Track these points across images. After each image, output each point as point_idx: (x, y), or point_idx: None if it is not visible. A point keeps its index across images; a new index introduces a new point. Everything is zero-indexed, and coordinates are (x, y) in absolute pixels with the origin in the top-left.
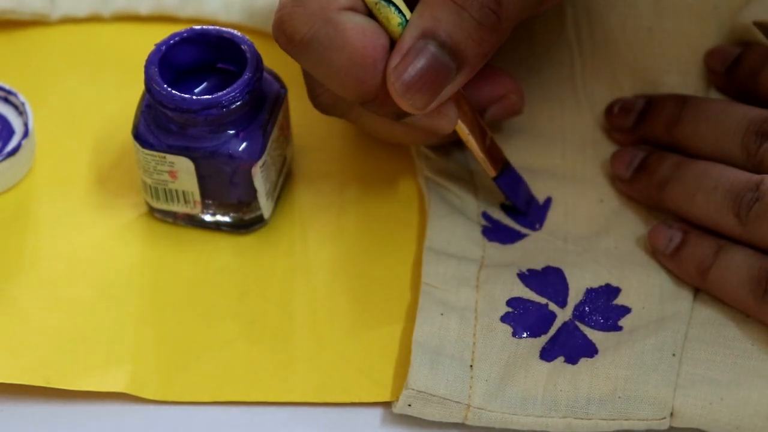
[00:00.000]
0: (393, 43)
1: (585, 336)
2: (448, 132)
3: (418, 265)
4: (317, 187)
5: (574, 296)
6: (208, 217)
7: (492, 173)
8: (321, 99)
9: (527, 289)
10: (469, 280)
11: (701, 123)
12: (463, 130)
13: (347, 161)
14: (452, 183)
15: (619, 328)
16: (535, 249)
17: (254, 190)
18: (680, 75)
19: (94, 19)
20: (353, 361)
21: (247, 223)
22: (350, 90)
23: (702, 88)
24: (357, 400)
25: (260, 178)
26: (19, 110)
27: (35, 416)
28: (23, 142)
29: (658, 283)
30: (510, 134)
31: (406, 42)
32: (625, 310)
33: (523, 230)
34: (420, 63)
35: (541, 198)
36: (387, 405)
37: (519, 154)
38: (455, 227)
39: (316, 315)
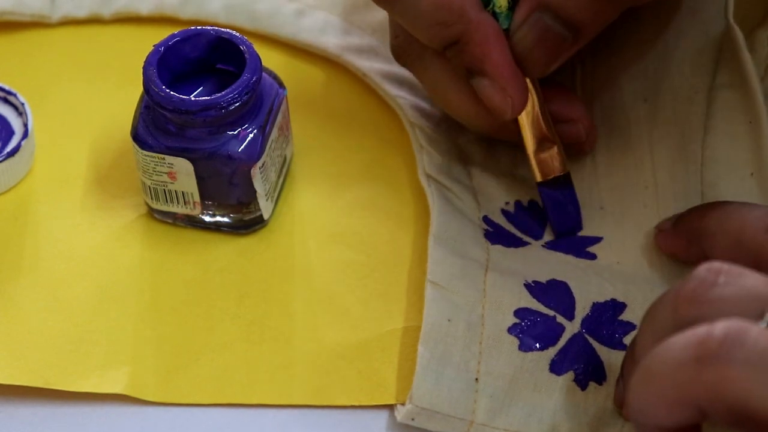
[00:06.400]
0: None
1: (594, 351)
2: (504, 116)
3: (418, 265)
4: (317, 188)
5: (581, 310)
6: (207, 218)
7: (536, 177)
8: (395, 42)
9: (534, 300)
10: (475, 283)
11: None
12: (522, 123)
13: (347, 161)
14: (453, 184)
15: (624, 347)
16: (538, 258)
17: (254, 191)
18: (681, 77)
19: (95, 20)
20: (354, 363)
21: (246, 224)
22: (432, 32)
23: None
24: (357, 403)
25: (260, 179)
26: (19, 111)
27: (34, 417)
28: (23, 143)
29: None
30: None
31: (521, 14)
32: (631, 327)
33: (525, 237)
34: (534, 34)
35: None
36: (388, 407)
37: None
38: (459, 226)
39: (316, 316)
